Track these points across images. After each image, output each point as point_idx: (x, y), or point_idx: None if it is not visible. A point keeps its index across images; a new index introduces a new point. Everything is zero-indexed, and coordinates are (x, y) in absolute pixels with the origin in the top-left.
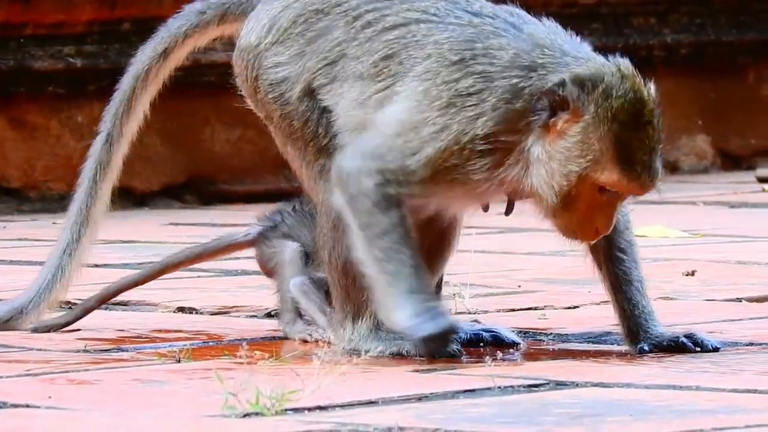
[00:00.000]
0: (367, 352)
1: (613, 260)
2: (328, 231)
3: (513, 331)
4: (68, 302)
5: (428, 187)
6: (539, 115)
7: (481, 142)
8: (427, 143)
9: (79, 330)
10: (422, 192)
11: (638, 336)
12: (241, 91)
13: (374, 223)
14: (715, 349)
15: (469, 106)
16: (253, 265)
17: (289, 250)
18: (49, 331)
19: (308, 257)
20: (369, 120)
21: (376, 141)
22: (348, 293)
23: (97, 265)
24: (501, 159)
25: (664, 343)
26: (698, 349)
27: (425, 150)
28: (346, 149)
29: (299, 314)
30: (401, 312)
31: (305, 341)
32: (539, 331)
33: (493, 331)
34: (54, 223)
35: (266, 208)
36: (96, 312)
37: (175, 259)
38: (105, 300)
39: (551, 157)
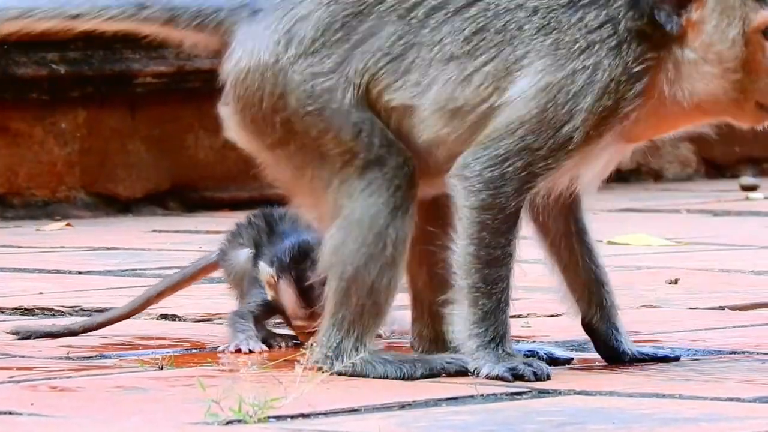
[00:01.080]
0: (368, 375)
1: (581, 236)
2: (367, 247)
3: (562, 347)
4: (51, 309)
5: (578, 153)
6: (670, 24)
7: (634, 65)
8: (581, 96)
9: (67, 335)
10: (570, 162)
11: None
12: (231, 116)
13: (494, 245)
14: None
15: (608, 37)
16: None
17: (243, 259)
18: (30, 338)
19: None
20: (483, 101)
21: (518, 132)
22: (362, 314)
23: (80, 272)
24: (653, 80)
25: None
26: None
27: (582, 104)
28: (478, 151)
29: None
30: (484, 360)
31: (239, 351)
32: (522, 339)
33: (547, 350)
34: (38, 229)
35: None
36: (76, 319)
37: (154, 291)
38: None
39: (709, 45)
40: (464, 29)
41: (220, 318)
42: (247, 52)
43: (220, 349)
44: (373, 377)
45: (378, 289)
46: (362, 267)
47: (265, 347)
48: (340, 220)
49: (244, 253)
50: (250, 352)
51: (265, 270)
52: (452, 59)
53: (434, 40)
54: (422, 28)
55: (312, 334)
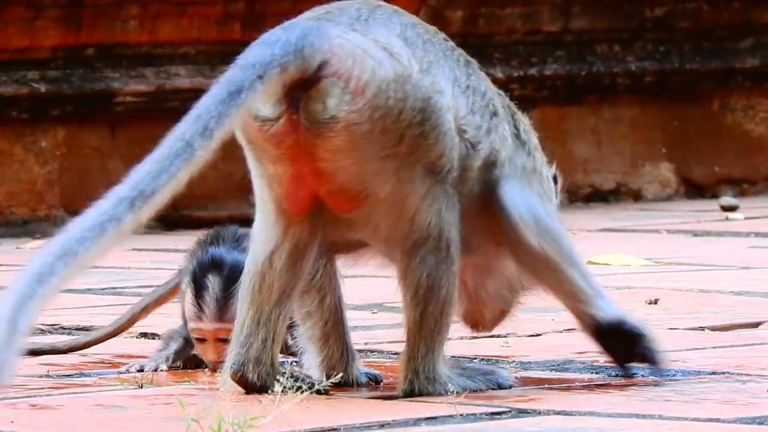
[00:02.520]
0: (453, 392)
1: None
2: (447, 265)
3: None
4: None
5: None
6: None
7: None
8: None
9: (49, 353)
10: None
11: None
12: (352, 125)
13: None
14: None
15: None
16: None
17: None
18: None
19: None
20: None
21: None
22: (442, 331)
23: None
24: None
25: None
26: None
27: None
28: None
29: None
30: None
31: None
32: (502, 359)
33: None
34: (17, 248)
35: None
36: (57, 337)
37: (138, 308)
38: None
39: None
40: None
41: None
42: (365, 72)
43: (123, 369)
44: (456, 392)
45: (452, 303)
46: (450, 287)
47: (165, 368)
48: (432, 241)
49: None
50: (155, 371)
51: (184, 280)
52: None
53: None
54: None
55: (202, 340)
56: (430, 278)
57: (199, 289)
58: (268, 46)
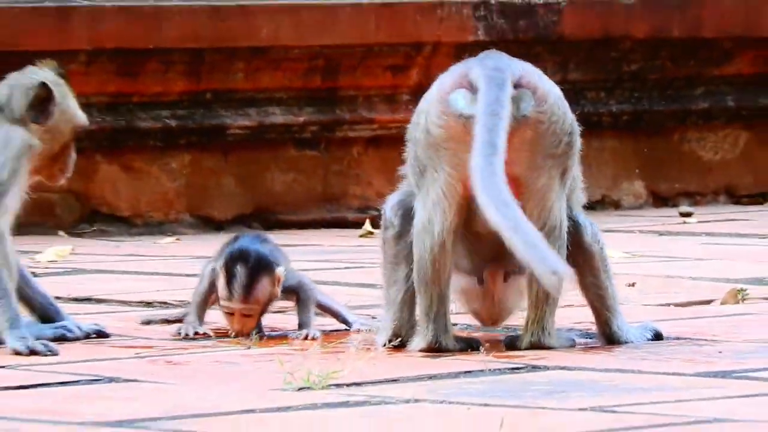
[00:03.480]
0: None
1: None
2: None
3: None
4: (165, 302)
5: None
6: None
7: None
8: None
9: (177, 322)
10: None
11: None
12: (538, 136)
13: None
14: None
15: None
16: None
17: (206, 269)
18: (150, 324)
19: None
20: None
21: None
22: (557, 300)
23: (187, 275)
24: None
25: None
26: None
27: None
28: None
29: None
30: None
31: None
32: (518, 327)
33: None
34: (154, 243)
35: (308, 234)
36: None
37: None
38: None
39: None
40: None
41: (290, 310)
42: (546, 85)
43: (174, 331)
44: (558, 347)
45: None
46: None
47: (205, 330)
48: (558, 230)
49: (210, 263)
50: (195, 335)
51: (217, 266)
52: None
53: None
54: None
55: (231, 314)
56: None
57: (230, 276)
58: (500, 71)
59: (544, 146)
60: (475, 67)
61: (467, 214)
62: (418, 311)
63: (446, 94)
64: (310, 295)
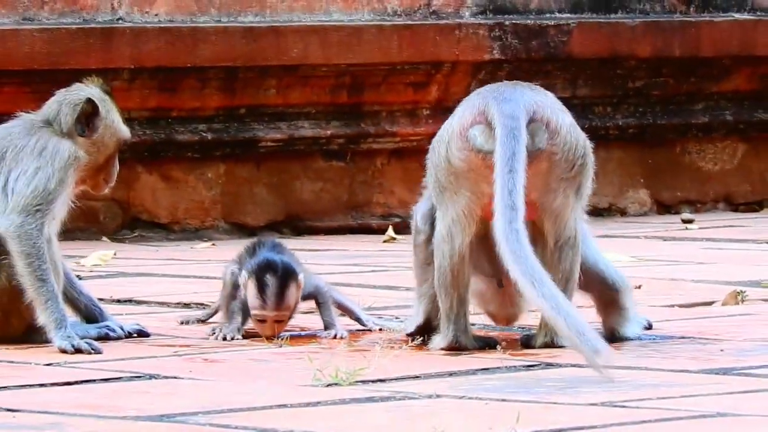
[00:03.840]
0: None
1: None
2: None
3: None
4: (202, 304)
5: None
6: None
7: None
8: None
9: (212, 323)
10: None
11: None
12: (556, 160)
13: None
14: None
15: None
16: (331, 277)
17: (228, 271)
18: (188, 324)
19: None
20: None
21: None
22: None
23: (217, 278)
24: None
25: None
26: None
27: None
28: None
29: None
30: None
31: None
32: (533, 327)
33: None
34: (191, 248)
35: (335, 239)
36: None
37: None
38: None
39: None
40: None
41: (316, 312)
42: (559, 117)
43: (209, 331)
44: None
45: (576, 281)
46: (577, 272)
47: (240, 338)
48: (572, 240)
49: (229, 267)
50: (232, 339)
51: (243, 275)
52: None
53: None
54: None
55: (263, 321)
56: (569, 267)
57: (262, 286)
58: (515, 120)
59: (558, 173)
60: (492, 107)
61: (485, 230)
62: (440, 313)
63: (465, 129)
64: (327, 297)
